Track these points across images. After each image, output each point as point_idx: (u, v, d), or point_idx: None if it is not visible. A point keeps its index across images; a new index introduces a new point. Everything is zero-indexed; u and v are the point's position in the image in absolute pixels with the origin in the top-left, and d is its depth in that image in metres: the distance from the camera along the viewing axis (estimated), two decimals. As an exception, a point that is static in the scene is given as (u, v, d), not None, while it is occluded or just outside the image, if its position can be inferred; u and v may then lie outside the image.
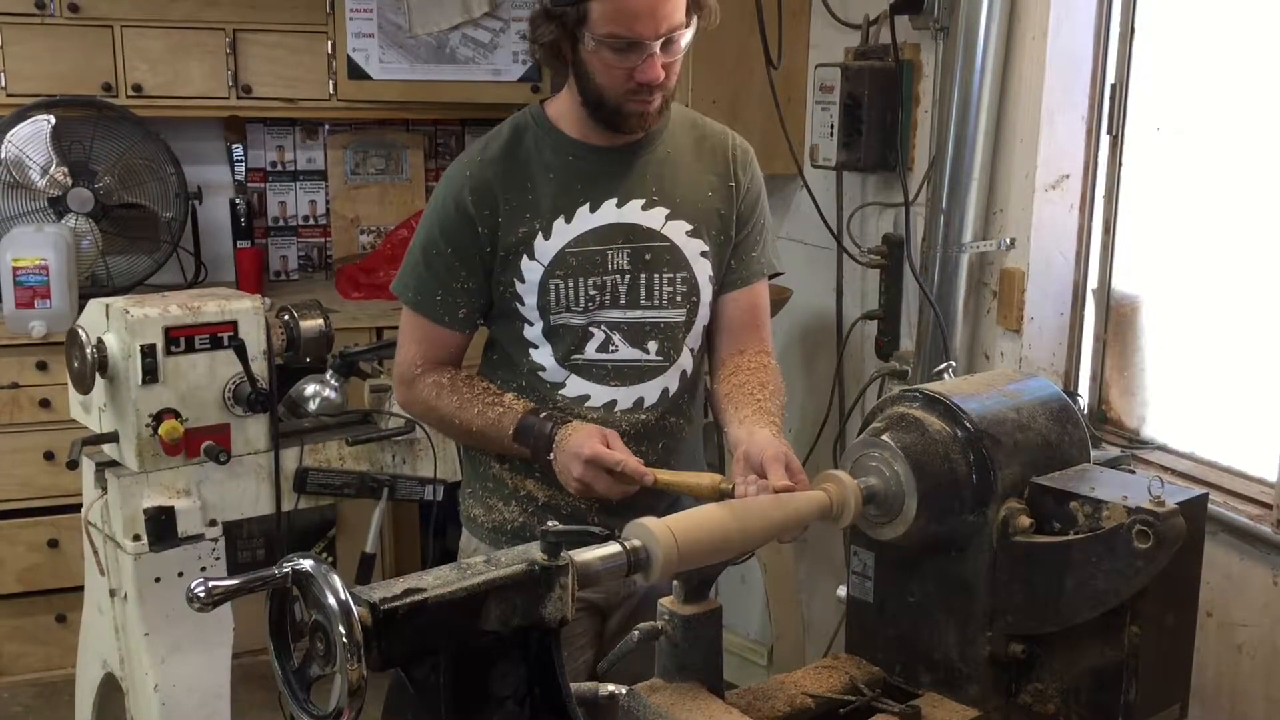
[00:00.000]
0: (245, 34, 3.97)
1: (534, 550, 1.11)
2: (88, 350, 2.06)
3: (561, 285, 1.79)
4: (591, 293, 1.80)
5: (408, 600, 1.01)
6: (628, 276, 1.81)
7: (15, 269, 3.47)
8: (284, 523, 2.23)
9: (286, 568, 0.99)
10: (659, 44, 1.67)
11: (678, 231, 1.83)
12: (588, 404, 1.83)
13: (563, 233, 1.79)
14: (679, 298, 1.84)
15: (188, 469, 2.14)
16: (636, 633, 1.36)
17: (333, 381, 2.46)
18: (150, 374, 2.05)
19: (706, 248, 1.85)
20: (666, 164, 1.84)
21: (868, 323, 3.02)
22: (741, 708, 1.40)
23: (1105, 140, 2.41)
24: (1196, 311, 2.31)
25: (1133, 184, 2.41)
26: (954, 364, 1.65)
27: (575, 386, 1.83)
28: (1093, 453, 1.58)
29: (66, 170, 3.88)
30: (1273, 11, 2.13)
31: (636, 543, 1.20)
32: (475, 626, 1.06)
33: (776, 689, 1.46)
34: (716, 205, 1.86)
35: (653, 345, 1.84)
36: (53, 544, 3.58)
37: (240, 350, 2.09)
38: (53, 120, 3.85)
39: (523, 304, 1.81)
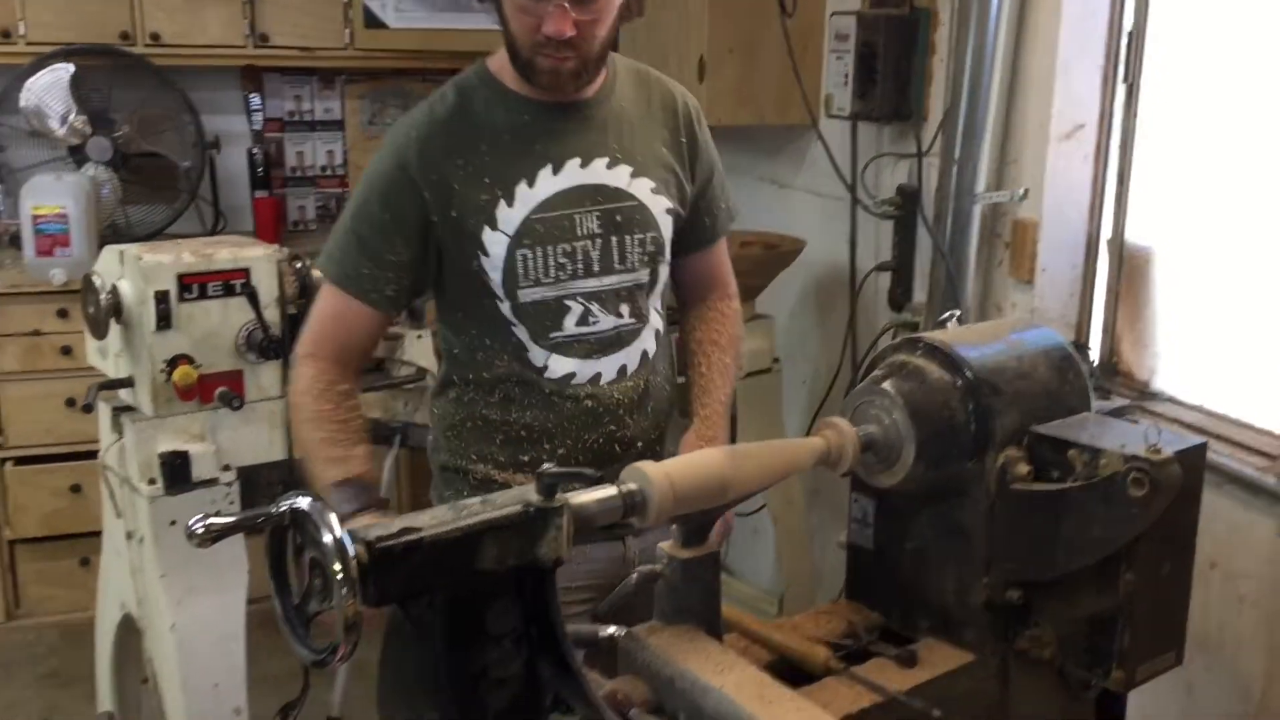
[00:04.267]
0: (262, -18, 3.96)
1: (530, 491, 1.13)
2: (102, 296, 2.09)
3: (529, 255, 1.68)
4: (561, 260, 1.69)
5: (403, 539, 1.03)
6: (599, 241, 1.71)
7: (35, 217, 3.51)
8: (297, 469, 2.26)
9: (284, 506, 1.01)
10: None
11: (643, 189, 1.75)
12: (574, 382, 1.73)
13: (526, 198, 1.68)
14: (646, 258, 1.76)
15: (202, 414, 2.17)
16: (635, 575, 1.38)
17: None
18: (164, 320, 2.08)
19: (670, 205, 1.78)
20: (623, 120, 1.76)
21: (881, 274, 3.01)
22: (739, 650, 1.42)
23: (1121, 89, 2.39)
24: (1209, 264, 2.30)
25: (1148, 134, 2.39)
26: (958, 313, 1.65)
27: (557, 365, 1.72)
28: (1096, 403, 1.58)
29: (86, 119, 3.90)
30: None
31: (632, 485, 1.22)
32: (471, 566, 1.07)
33: (775, 633, 1.47)
34: (671, 162, 1.79)
35: (625, 308, 1.76)
36: (75, 489, 3.64)
37: (253, 297, 2.12)
38: (71, 69, 3.86)
39: (489, 278, 1.69)
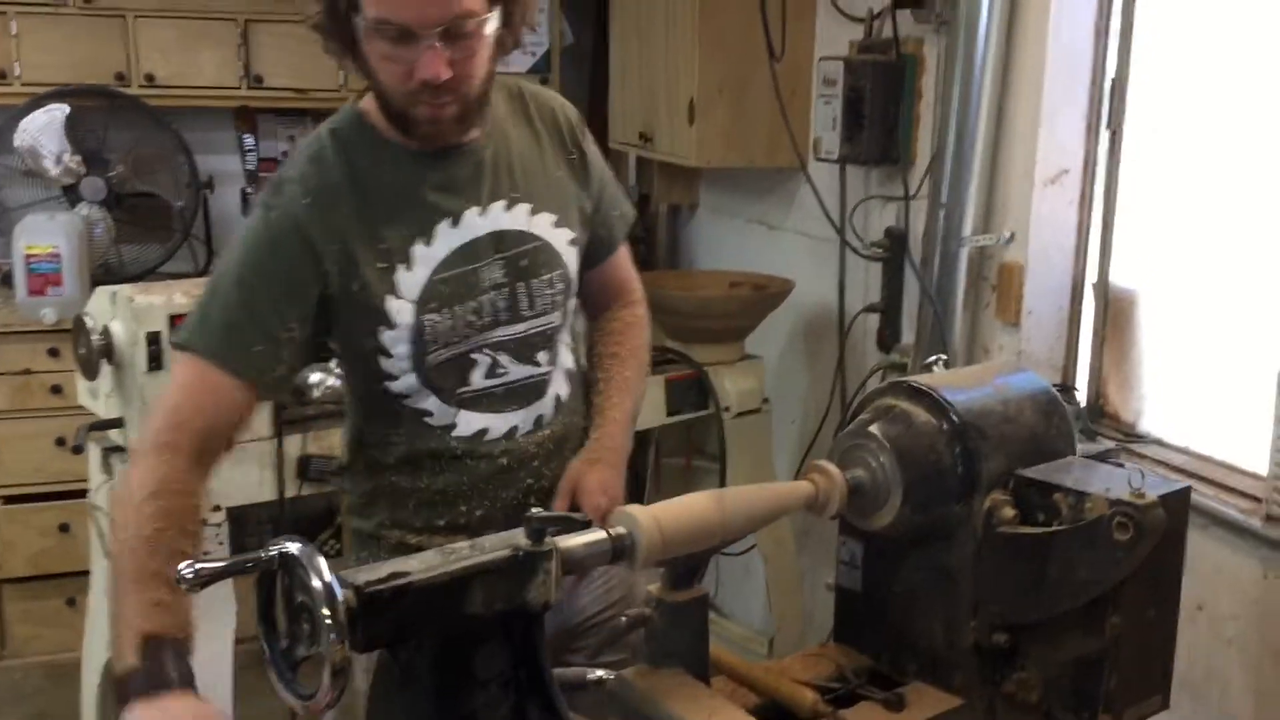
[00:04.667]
0: (256, 24, 4.01)
1: (518, 536, 1.14)
2: (94, 337, 2.10)
3: (437, 319, 1.55)
4: (470, 319, 1.57)
5: (391, 584, 1.04)
6: (505, 290, 1.60)
7: (28, 256, 3.52)
8: (287, 509, 2.26)
9: (274, 550, 1.02)
10: (438, 34, 1.42)
11: (545, 226, 1.64)
12: (487, 438, 1.62)
13: (426, 258, 1.55)
14: (558, 298, 1.66)
15: (192, 455, 2.17)
16: (624, 619, 1.38)
17: (336, 370, 2.47)
18: (155, 361, 2.09)
19: (573, 235, 1.68)
20: (513, 154, 1.63)
21: (869, 316, 3.03)
22: (727, 693, 1.43)
23: (1105, 136, 2.42)
24: (1194, 306, 2.32)
25: (1131, 179, 2.42)
26: (943, 357, 1.67)
27: (468, 423, 1.60)
28: (1082, 446, 1.60)
29: (80, 159, 3.93)
30: (1271, 7, 2.13)
31: (621, 529, 1.23)
32: (459, 610, 1.08)
33: (763, 676, 1.48)
34: (568, 185, 1.69)
35: (542, 356, 1.66)
36: (64, 528, 3.63)
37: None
38: (66, 109, 3.89)
39: (389, 355, 1.55)
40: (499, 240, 1.61)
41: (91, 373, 2.13)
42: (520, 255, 1.62)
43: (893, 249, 2.87)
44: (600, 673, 1.39)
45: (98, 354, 2.10)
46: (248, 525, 2.24)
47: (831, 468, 1.42)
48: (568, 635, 1.72)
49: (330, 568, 0.99)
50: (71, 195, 3.96)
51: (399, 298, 1.54)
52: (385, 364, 1.57)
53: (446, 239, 1.57)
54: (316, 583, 0.98)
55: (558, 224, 1.67)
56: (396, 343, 1.55)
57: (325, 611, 0.97)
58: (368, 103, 1.58)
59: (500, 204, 1.61)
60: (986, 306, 2.62)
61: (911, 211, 2.75)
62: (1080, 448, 1.60)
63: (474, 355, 1.61)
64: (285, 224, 1.51)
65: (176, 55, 3.99)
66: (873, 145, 2.82)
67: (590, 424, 1.74)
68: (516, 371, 1.64)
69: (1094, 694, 1.41)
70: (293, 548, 1.01)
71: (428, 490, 1.64)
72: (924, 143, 2.83)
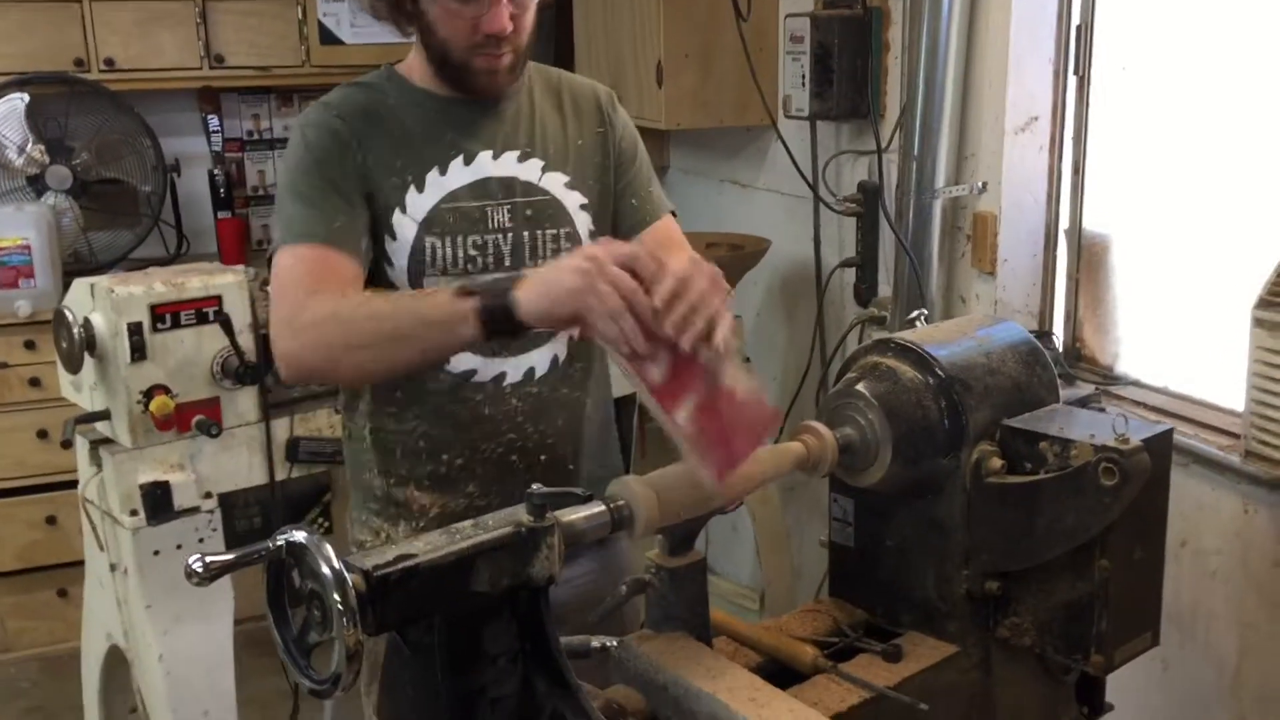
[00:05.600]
0: (215, 3, 3.96)
1: (520, 512, 1.15)
2: (75, 330, 2.09)
3: (438, 244, 1.62)
4: (472, 253, 1.63)
5: (400, 566, 1.05)
6: (510, 235, 1.65)
7: (-2, 250, 3.49)
8: (278, 492, 2.27)
9: (281, 540, 1.03)
10: None
11: (556, 184, 1.70)
12: (474, 379, 1.65)
13: (437, 185, 1.63)
14: (563, 254, 1.63)
15: (181, 443, 2.17)
16: (624, 586, 1.40)
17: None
18: (138, 351, 2.08)
19: (585, 200, 1.72)
20: (535, 114, 1.71)
21: (846, 270, 3.05)
22: (728, 653, 1.45)
23: (1072, 81, 2.44)
24: (1166, 248, 2.35)
25: (1100, 124, 2.44)
26: (925, 312, 1.68)
27: (457, 361, 1.63)
28: (1064, 392, 1.63)
29: (43, 148, 3.88)
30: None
31: (620, 501, 1.24)
32: (466, 588, 1.09)
33: (763, 635, 1.50)
34: (590, 154, 1.74)
35: None
36: (50, 520, 3.62)
37: (226, 324, 2.12)
38: (26, 98, 3.83)
39: (391, 266, 1.62)
40: (508, 187, 1.67)
41: (75, 366, 2.12)
42: (527, 205, 1.68)
43: (866, 203, 2.89)
44: (604, 640, 1.41)
45: (80, 347, 2.09)
46: (236, 509, 2.24)
47: (822, 428, 1.44)
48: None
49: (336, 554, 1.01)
50: (37, 185, 3.92)
51: (405, 214, 1.62)
52: (389, 273, 1.63)
53: (459, 173, 1.65)
54: (325, 570, 0.99)
55: (570, 185, 1.71)
56: (398, 254, 1.62)
57: (336, 597, 0.98)
58: (402, 66, 1.70)
59: (513, 154, 1.68)
60: (962, 256, 2.64)
61: (884, 164, 2.76)
62: (1062, 394, 1.63)
63: None
64: (322, 130, 1.61)
65: (135, 38, 3.94)
66: (843, 100, 2.83)
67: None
68: None
69: (1085, 635, 1.44)
70: (299, 536, 1.02)
71: (412, 435, 1.67)
72: (893, 96, 2.84)
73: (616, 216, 1.76)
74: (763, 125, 3.26)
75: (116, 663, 2.38)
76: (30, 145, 3.84)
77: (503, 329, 1.37)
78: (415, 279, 1.62)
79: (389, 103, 1.66)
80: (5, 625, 3.79)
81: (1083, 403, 1.68)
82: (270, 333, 1.56)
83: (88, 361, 2.12)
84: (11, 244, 3.49)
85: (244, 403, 2.23)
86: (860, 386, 1.47)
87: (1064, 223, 2.52)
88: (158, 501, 2.12)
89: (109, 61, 3.91)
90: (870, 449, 1.46)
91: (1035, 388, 1.54)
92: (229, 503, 2.28)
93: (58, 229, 3.79)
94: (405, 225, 1.62)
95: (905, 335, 1.54)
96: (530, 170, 1.69)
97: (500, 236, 1.66)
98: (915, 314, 1.69)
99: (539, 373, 1.69)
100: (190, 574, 0.99)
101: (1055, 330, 2.55)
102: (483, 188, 1.65)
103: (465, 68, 1.61)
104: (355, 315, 1.47)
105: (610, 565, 1.79)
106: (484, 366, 1.66)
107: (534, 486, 1.15)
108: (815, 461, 1.43)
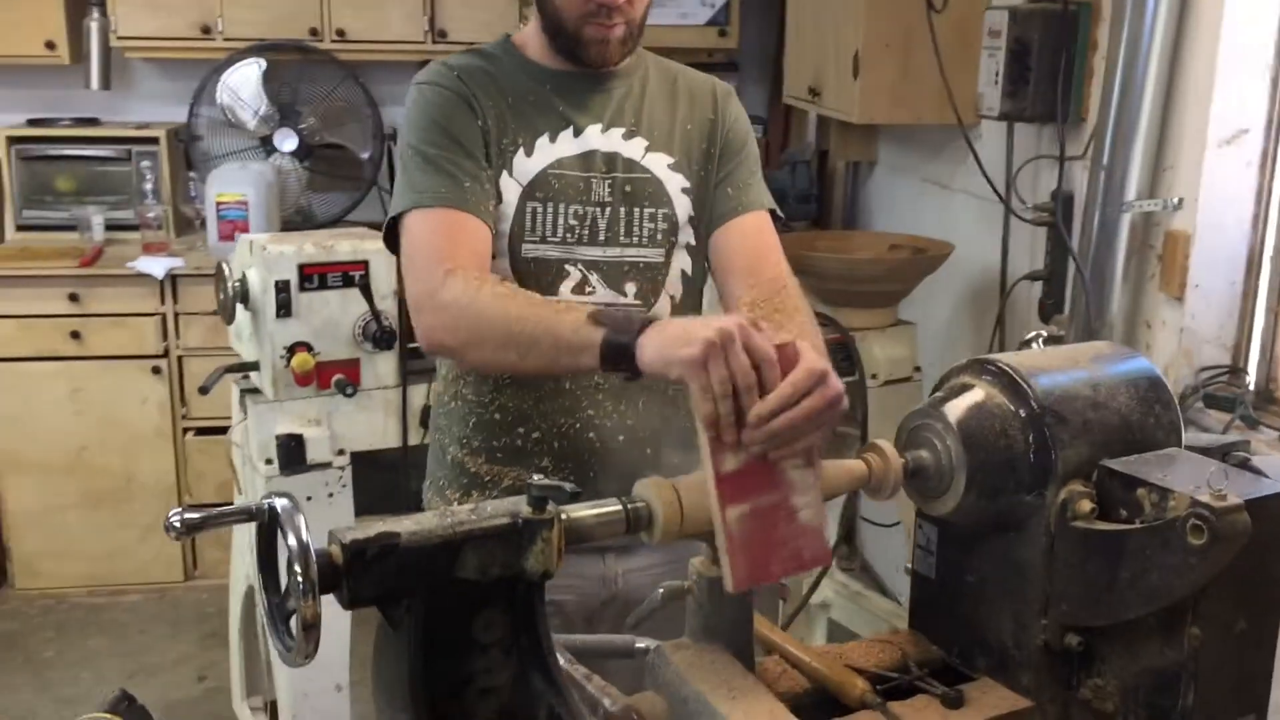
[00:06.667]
0: (442, -21, 4.10)
1: (522, 502, 1.12)
2: (230, 284, 2.20)
3: (540, 210, 1.64)
4: (572, 223, 1.65)
5: (379, 543, 1.04)
6: (608, 209, 1.67)
7: (219, 203, 3.73)
8: (409, 457, 2.33)
9: (265, 503, 1.03)
10: None
11: (659, 164, 1.70)
12: None
13: (546, 152, 1.66)
14: (659, 235, 1.70)
15: (319, 399, 2.26)
16: (661, 590, 1.35)
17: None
18: (284, 308, 2.17)
19: (687, 184, 1.72)
20: (644, 95, 1.73)
21: (1035, 284, 2.86)
22: (774, 675, 1.38)
23: (1291, 91, 2.19)
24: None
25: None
26: (1044, 334, 1.55)
27: None
28: (1209, 437, 1.46)
29: (275, 111, 4.13)
30: None
31: (639, 502, 1.19)
32: (450, 573, 1.07)
33: (815, 659, 1.42)
34: (696, 140, 1.74)
35: (630, 287, 1.69)
36: (246, 461, 3.86)
37: (366, 290, 2.18)
38: (264, 64, 4.09)
39: (493, 232, 1.63)
40: (611, 161, 1.69)
41: (229, 317, 2.24)
42: (627, 181, 1.69)
43: (1059, 213, 2.69)
44: (649, 642, 1.36)
45: (233, 299, 2.20)
46: (369, 470, 2.31)
47: (888, 447, 1.34)
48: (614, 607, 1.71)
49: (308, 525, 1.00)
50: (267, 146, 4.18)
51: (511, 176, 1.64)
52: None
53: (567, 143, 1.67)
54: (293, 540, 0.99)
55: (673, 167, 1.72)
56: (501, 219, 1.64)
57: (297, 569, 0.98)
58: (517, 37, 1.75)
59: (619, 130, 1.70)
60: (1151, 278, 2.42)
61: (1069, 172, 2.57)
62: (1205, 437, 1.46)
63: (567, 266, 1.66)
64: (444, 88, 1.64)
65: (367, 11, 4.13)
66: (1038, 101, 2.64)
67: None
68: (603, 294, 1.67)
69: (1171, 710, 1.29)
70: (279, 503, 1.02)
71: (490, 407, 1.67)
72: (1098, 98, 2.63)
73: (712, 204, 1.73)
74: (968, 125, 3.09)
75: (254, 603, 2.50)
76: (263, 108, 4.09)
77: (622, 369, 1.34)
78: (515, 244, 1.64)
79: (504, 70, 1.69)
80: (204, 555, 4.08)
81: (1224, 451, 1.50)
82: (409, 302, 1.59)
83: (241, 314, 2.23)
84: (232, 199, 3.72)
85: (383, 366, 2.29)
86: (943, 408, 1.36)
87: (1269, 249, 2.27)
88: (291, 453, 2.21)
89: (340, 32, 4.12)
90: (944, 476, 1.34)
91: (1150, 428, 1.38)
92: (362, 461, 2.35)
93: (282, 188, 4.02)
94: (510, 188, 1.64)
95: (1006, 357, 1.41)
96: (634, 148, 1.70)
97: (599, 210, 1.67)
98: (1033, 335, 1.56)
99: None
100: (168, 528, 1.01)
101: (1249, 367, 2.30)
102: (588, 159, 1.67)
103: (577, 37, 1.63)
104: (491, 312, 1.46)
105: (681, 560, 1.73)
106: None
107: (534, 477, 1.11)
108: (877, 483, 1.33)
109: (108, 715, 1.14)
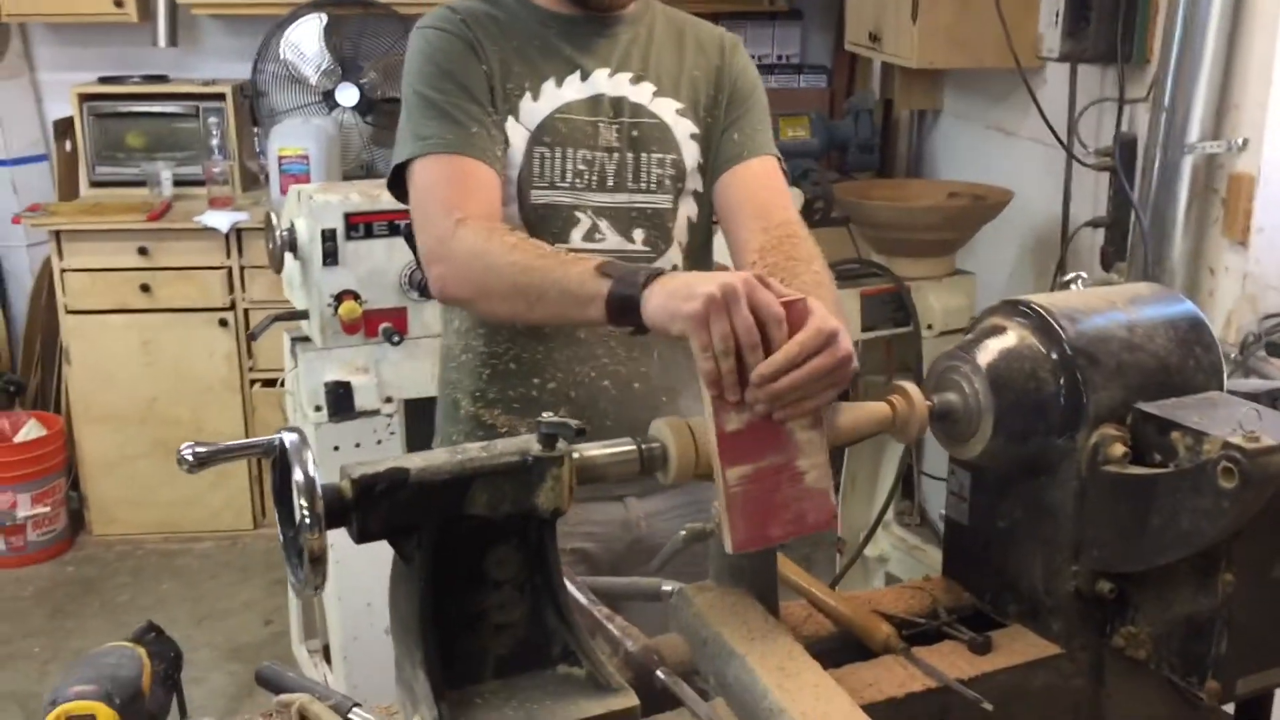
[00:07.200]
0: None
1: (533, 440, 1.12)
2: (278, 233, 2.23)
3: (548, 154, 1.61)
4: (580, 168, 1.63)
5: (389, 477, 1.05)
6: (616, 155, 1.64)
7: (281, 158, 3.77)
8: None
9: (276, 438, 1.05)
10: None
11: (667, 109, 1.67)
12: None
13: (552, 96, 1.62)
14: (667, 181, 1.67)
15: (366, 347, 2.28)
16: (684, 532, 1.35)
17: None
18: (330, 256, 2.20)
19: (696, 130, 1.69)
20: (651, 41, 1.70)
21: (1097, 231, 2.78)
22: (799, 619, 1.37)
23: (1365, 25, 2.09)
24: None
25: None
26: (1083, 274, 1.50)
27: None
28: (1255, 382, 1.42)
29: (337, 65, 4.16)
30: None
31: (653, 442, 1.19)
32: (459, 509, 1.08)
33: (841, 604, 1.41)
34: (704, 86, 1.71)
35: (639, 234, 1.66)
36: (313, 411, 3.93)
37: (410, 238, 2.18)
38: (325, 19, 4.11)
39: (502, 176, 1.61)
40: (618, 106, 1.66)
41: (278, 266, 2.27)
42: (634, 126, 1.66)
43: (1121, 157, 2.61)
44: (675, 585, 1.36)
45: (281, 248, 2.23)
46: (421, 416, 2.33)
47: (913, 389, 1.32)
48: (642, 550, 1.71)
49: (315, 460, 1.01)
50: (330, 101, 4.21)
51: (518, 121, 1.61)
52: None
53: (574, 87, 1.64)
54: (299, 475, 1.00)
55: (681, 113, 1.69)
56: (509, 165, 1.61)
57: (303, 503, 0.99)
58: None
59: (627, 75, 1.67)
60: (1215, 223, 2.34)
61: (1129, 115, 2.49)
62: (1252, 382, 1.42)
63: (577, 213, 1.64)
64: (446, 34, 1.60)
65: (422, -37, 4.13)
66: (1100, 40, 2.56)
67: None
68: (613, 241, 1.65)
69: (1203, 658, 1.26)
70: (287, 438, 1.03)
71: (503, 358, 1.66)
72: (1161, 38, 2.54)
73: (718, 150, 1.70)
74: (1028, 69, 3.00)
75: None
76: (325, 63, 4.12)
77: (628, 322, 1.32)
78: (524, 190, 1.62)
79: (510, 15, 1.66)
80: (270, 503, 4.16)
81: (1274, 397, 1.45)
82: (420, 252, 1.57)
83: (290, 263, 2.26)
84: (293, 153, 3.76)
85: (430, 314, 2.30)
86: (972, 350, 1.33)
87: (1339, 191, 2.18)
88: (340, 400, 2.24)
89: (400, -15, 4.13)
90: (972, 419, 1.31)
91: (1190, 371, 1.34)
92: (415, 409, 2.37)
93: (340, 143, 4.05)
94: (517, 133, 1.61)
95: (1040, 298, 1.37)
96: (642, 93, 1.67)
97: (606, 155, 1.64)
98: (1072, 276, 1.51)
99: None
100: (181, 461, 1.03)
101: (1316, 315, 2.22)
102: (596, 104, 1.64)
103: None
104: (500, 263, 1.44)
105: (703, 501, 1.73)
106: None
107: (545, 415, 1.11)
108: (901, 425, 1.31)
109: (131, 644, 1.17)
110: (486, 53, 1.60)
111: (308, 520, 0.99)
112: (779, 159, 1.72)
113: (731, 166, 1.68)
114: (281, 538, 1.11)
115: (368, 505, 1.04)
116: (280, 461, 1.06)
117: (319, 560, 1.00)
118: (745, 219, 1.65)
